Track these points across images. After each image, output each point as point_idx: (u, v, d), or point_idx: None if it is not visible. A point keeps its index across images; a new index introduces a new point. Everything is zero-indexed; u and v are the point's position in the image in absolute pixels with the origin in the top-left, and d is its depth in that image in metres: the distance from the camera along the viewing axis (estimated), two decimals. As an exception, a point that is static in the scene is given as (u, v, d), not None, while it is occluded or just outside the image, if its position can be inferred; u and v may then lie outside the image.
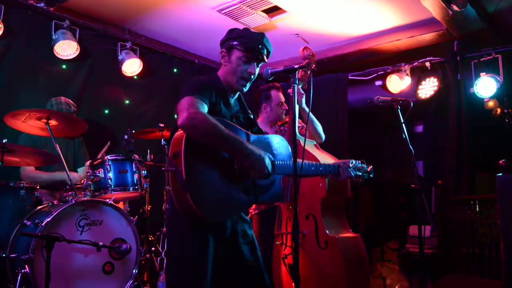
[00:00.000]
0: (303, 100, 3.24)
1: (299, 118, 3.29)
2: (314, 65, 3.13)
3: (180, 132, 2.05)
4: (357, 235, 3.10)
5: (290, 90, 3.02)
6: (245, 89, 2.27)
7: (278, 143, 2.31)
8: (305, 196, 3.09)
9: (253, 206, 3.56)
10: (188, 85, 2.14)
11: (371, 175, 2.56)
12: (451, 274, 4.20)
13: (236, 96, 2.35)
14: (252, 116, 2.41)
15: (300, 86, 3.16)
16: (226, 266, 2.16)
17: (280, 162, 2.22)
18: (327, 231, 2.98)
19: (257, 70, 2.25)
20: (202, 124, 1.97)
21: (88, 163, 3.69)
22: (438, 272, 4.39)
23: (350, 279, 2.92)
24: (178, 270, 2.10)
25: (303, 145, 2.99)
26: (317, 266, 3.02)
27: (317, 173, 2.42)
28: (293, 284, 2.84)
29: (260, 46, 2.20)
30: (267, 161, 2.09)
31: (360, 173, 2.51)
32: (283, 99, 3.51)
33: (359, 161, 2.53)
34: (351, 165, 2.47)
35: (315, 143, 3.28)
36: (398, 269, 4.79)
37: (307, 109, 3.26)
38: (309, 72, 3.09)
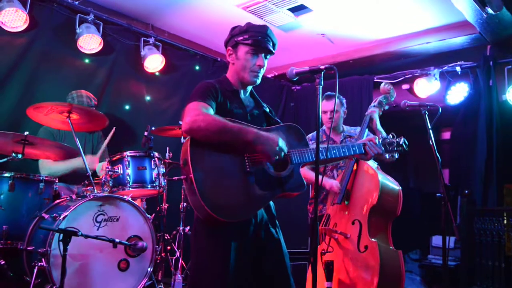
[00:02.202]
0: (378, 122, 3.35)
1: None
2: (392, 101, 3.41)
3: (187, 139, 2.04)
4: (398, 251, 3.10)
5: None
6: (258, 81, 2.26)
7: (294, 132, 2.27)
8: (357, 202, 3.20)
9: (310, 209, 3.70)
10: (193, 91, 2.15)
11: (406, 148, 2.42)
12: (475, 288, 4.07)
13: (248, 93, 2.35)
14: (268, 110, 2.39)
15: (375, 113, 3.36)
16: (253, 266, 2.11)
17: (297, 152, 2.19)
18: (370, 237, 3.04)
19: (266, 62, 2.25)
20: (204, 123, 1.98)
21: (107, 159, 3.67)
22: (462, 285, 4.25)
23: (382, 285, 2.92)
24: (203, 276, 2.06)
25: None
26: (353, 268, 3.07)
27: (340, 155, 2.31)
28: (325, 282, 2.91)
29: (264, 38, 2.20)
30: (281, 143, 2.08)
31: (391, 148, 2.39)
32: (326, 108, 3.66)
33: (389, 135, 2.44)
34: (377, 141, 2.35)
35: (377, 165, 3.38)
36: (419, 280, 4.66)
37: (380, 129, 3.38)
38: (386, 106, 3.39)
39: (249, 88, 2.34)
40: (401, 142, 2.40)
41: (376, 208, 3.08)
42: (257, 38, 2.18)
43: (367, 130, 3.37)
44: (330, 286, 2.92)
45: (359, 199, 3.19)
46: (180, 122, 4.15)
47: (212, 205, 1.92)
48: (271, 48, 2.23)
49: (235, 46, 2.24)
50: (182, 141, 4.19)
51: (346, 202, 3.25)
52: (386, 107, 3.42)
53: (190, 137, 2.03)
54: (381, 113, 3.40)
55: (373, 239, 3.02)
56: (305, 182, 2.21)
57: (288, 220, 4.14)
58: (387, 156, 2.42)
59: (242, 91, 2.30)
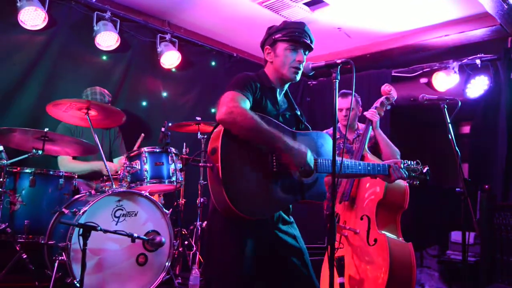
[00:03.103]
0: (378, 121, 3.47)
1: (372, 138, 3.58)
2: (393, 101, 3.50)
3: (219, 127, 2.02)
4: (408, 243, 3.11)
5: (366, 113, 3.44)
6: (298, 77, 2.24)
7: (323, 141, 2.25)
8: (364, 198, 3.22)
9: (325, 206, 3.67)
10: (233, 80, 2.12)
11: (428, 177, 2.46)
12: (496, 285, 3.99)
13: (284, 92, 2.33)
14: (299, 113, 2.37)
15: (377, 112, 3.46)
16: (268, 262, 2.12)
17: (324, 161, 2.16)
18: (379, 230, 3.06)
19: (305, 58, 2.22)
20: (240, 117, 1.95)
21: (124, 155, 3.71)
22: (482, 282, 4.18)
23: (393, 278, 2.92)
24: (216, 268, 2.07)
25: (369, 157, 3.19)
26: (362, 262, 3.09)
27: (365, 172, 2.34)
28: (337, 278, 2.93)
29: (302, 34, 2.19)
30: (309, 157, 2.04)
31: (414, 174, 2.43)
32: (341, 105, 3.67)
33: (414, 162, 2.46)
34: (402, 166, 2.40)
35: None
36: (437, 276, 4.61)
37: (379, 130, 3.50)
38: (388, 106, 3.50)
39: (286, 87, 2.32)
40: (424, 171, 2.45)
41: (383, 202, 3.11)
42: (295, 34, 2.18)
43: (370, 128, 3.43)
44: (343, 281, 2.95)
45: (366, 195, 3.21)
46: (197, 118, 4.19)
47: (234, 198, 1.91)
48: (310, 44, 2.22)
49: (273, 44, 2.23)
50: (199, 137, 4.22)
51: (353, 200, 3.29)
52: (388, 107, 3.53)
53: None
54: (383, 114, 3.50)
55: (382, 232, 3.05)
56: (326, 192, 2.20)
57: (304, 216, 4.14)
58: (408, 181, 2.44)
59: (279, 90, 2.28)
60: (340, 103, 3.66)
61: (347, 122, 3.64)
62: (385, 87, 3.51)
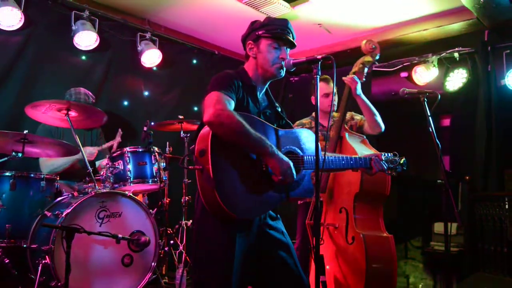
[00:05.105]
0: (358, 86, 3.25)
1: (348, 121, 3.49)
2: (376, 58, 3.23)
3: (206, 128, 2.01)
4: (389, 236, 3.11)
5: (344, 79, 3.25)
6: (283, 73, 2.25)
7: (307, 137, 2.27)
8: (342, 190, 3.18)
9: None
10: (215, 79, 2.10)
11: (404, 168, 2.55)
12: (478, 273, 4.07)
13: (264, 90, 2.33)
14: (280, 109, 2.38)
15: (355, 77, 3.24)
16: (259, 259, 2.12)
17: (309, 157, 2.18)
18: (356, 227, 3.03)
19: (288, 55, 2.24)
20: (228, 122, 1.93)
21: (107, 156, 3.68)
22: (464, 271, 4.26)
23: (371, 278, 2.92)
24: (205, 270, 2.06)
25: (347, 139, 3.14)
26: (342, 260, 3.08)
27: (347, 166, 2.38)
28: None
29: (284, 31, 2.20)
30: (292, 166, 2.04)
31: (393, 166, 2.50)
32: (326, 90, 3.57)
33: (391, 154, 2.53)
34: (383, 158, 2.45)
35: (363, 138, 3.37)
36: (422, 267, 4.68)
37: (362, 96, 3.28)
38: (371, 65, 3.24)
39: (267, 84, 2.32)
40: (401, 162, 2.54)
41: (360, 194, 3.07)
42: (279, 31, 2.19)
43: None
44: (324, 280, 2.95)
45: (343, 186, 3.17)
46: (180, 117, 4.16)
47: (226, 200, 1.90)
48: (293, 41, 2.23)
49: (256, 40, 2.23)
50: (181, 135, 4.20)
51: (331, 191, 3.26)
52: (366, 70, 3.27)
53: None
54: (364, 79, 3.28)
55: (358, 230, 3.02)
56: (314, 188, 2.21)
57: (287, 211, 4.15)
58: (387, 172, 2.51)
59: (260, 87, 2.28)
60: (326, 88, 3.57)
61: (331, 109, 3.56)
62: (367, 44, 3.21)
